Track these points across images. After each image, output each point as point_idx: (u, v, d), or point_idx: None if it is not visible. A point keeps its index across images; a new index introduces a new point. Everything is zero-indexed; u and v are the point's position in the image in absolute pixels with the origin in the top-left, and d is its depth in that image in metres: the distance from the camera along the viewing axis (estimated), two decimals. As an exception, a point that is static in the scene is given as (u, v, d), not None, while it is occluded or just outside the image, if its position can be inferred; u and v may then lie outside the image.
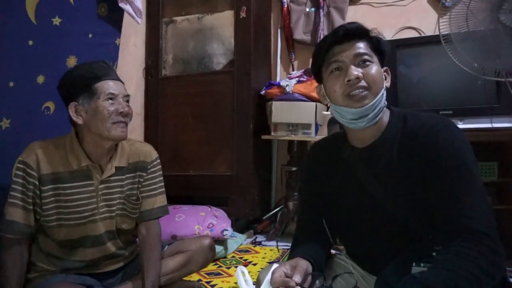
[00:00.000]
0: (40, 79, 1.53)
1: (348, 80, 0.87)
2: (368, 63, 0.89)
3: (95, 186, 1.22)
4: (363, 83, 0.88)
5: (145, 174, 1.32)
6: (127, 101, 1.22)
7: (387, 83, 0.94)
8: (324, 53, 0.93)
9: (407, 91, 2.03)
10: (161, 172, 1.37)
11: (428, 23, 2.41)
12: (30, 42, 1.47)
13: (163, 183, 1.38)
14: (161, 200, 1.36)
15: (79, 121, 1.17)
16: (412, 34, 2.45)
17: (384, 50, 0.94)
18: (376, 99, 0.88)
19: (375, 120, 0.90)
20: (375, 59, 0.91)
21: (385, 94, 0.91)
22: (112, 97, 1.17)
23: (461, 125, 1.82)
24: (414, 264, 0.85)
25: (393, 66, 1.96)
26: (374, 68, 0.89)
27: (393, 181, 0.91)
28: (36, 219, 1.19)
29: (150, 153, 1.34)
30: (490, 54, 1.55)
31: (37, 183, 1.16)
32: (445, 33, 1.64)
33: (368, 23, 0.96)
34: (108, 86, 1.18)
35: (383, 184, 0.92)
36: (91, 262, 1.25)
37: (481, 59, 1.58)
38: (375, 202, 0.93)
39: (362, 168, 0.96)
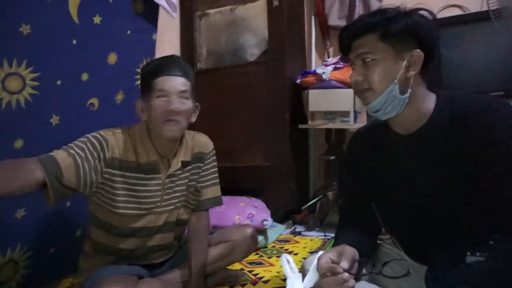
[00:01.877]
0: (85, 76, 1.60)
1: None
2: (371, 61, 0.86)
3: (162, 180, 1.23)
4: (364, 84, 0.88)
5: (202, 165, 1.35)
6: (185, 97, 1.18)
7: (410, 72, 0.86)
8: (345, 49, 0.94)
9: (452, 73, 1.93)
10: (216, 163, 1.40)
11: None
12: (74, 41, 1.53)
13: (217, 174, 1.41)
14: (214, 191, 1.39)
15: (144, 117, 1.20)
16: (456, 12, 2.31)
17: (405, 31, 0.85)
18: (380, 97, 0.86)
19: (392, 113, 0.88)
20: (384, 52, 0.85)
21: (396, 88, 0.85)
22: (164, 94, 1.15)
23: (514, 107, 1.70)
24: (468, 253, 0.81)
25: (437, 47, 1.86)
26: (377, 66, 0.86)
27: (441, 168, 0.87)
28: (101, 201, 1.17)
29: (208, 143, 1.38)
30: None
31: (103, 163, 1.12)
32: (495, 7, 1.53)
33: (408, 3, 0.91)
34: (163, 82, 1.15)
35: (430, 171, 0.88)
36: (141, 252, 1.28)
37: None
38: (422, 190, 0.90)
39: (407, 156, 0.92)
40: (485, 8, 1.55)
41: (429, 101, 0.90)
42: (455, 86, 1.90)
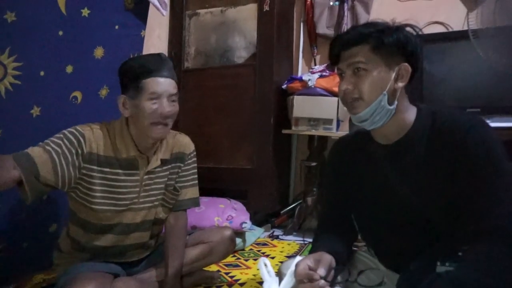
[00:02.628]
0: (69, 69, 1.57)
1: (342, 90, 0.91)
2: (362, 71, 0.88)
3: (140, 176, 1.23)
4: (354, 94, 0.90)
5: (182, 165, 1.35)
6: (174, 100, 1.19)
7: (398, 84, 0.89)
8: (333, 59, 0.96)
9: (433, 88, 1.99)
10: (196, 165, 1.41)
11: (456, 18, 2.34)
12: (60, 33, 1.51)
13: (196, 176, 1.41)
14: (194, 192, 1.39)
15: (126, 113, 1.18)
16: (440, 29, 2.39)
17: (396, 45, 0.88)
18: (369, 108, 0.88)
19: (379, 123, 0.91)
20: (376, 62, 0.88)
21: (385, 99, 0.88)
22: (155, 96, 1.14)
23: (489, 124, 1.76)
24: (439, 263, 0.84)
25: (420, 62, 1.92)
26: (369, 77, 0.88)
27: (420, 179, 0.90)
28: (79, 197, 1.16)
29: (189, 145, 1.38)
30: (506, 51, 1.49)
31: (80, 158, 1.11)
32: (474, 28, 1.59)
33: (396, 18, 0.94)
34: (154, 84, 1.14)
35: (409, 181, 0.91)
36: (117, 249, 1.27)
37: (509, 56, 1.53)
38: (400, 199, 0.92)
39: (388, 165, 0.95)
40: (466, 27, 1.61)
41: (411, 113, 0.94)
42: (435, 100, 1.96)
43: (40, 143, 1.09)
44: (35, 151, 1.05)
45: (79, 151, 1.11)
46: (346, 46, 0.91)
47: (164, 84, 1.16)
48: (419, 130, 0.91)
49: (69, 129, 1.14)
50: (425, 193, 0.89)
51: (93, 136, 1.15)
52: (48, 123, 1.46)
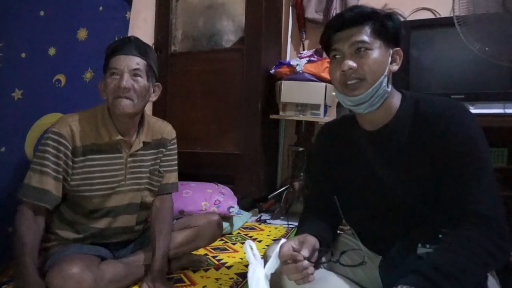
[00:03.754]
0: (52, 51, 1.53)
1: (343, 71, 0.88)
2: (365, 51, 0.88)
3: (124, 159, 1.26)
4: (357, 73, 0.88)
5: (165, 150, 1.38)
6: (138, 75, 1.20)
7: (393, 67, 0.92)
8: (326, 40, 0.93)
9: (419, 74, 2.00)
10: (177, 151, 1.44)
11: (444, 4, 2.34)
12: (42, 13, 1.46)
13: (176, 161, 1.44)
14: (175, 176, 1.43)
15: (104, 96, 1.21)
16: (428, 15, 2.39)
17: (394, 30, 0.90)
18: (372, 88, 0.88)
19: (375, 106, 0.91)
20: (377, 44, 0.88)
21: (385, 81, 0.89)
22: (116, 72, 1.18)
23: (472, 110, 1.79)
24: (420, 245, 0.86)
25: (407, 48, 1.93)
26: (372, 57, 0.88)
27: (403, 164, 0.91)
28: (63, 188, 1.19)
29: (171, 132, 1.42)
30: (496, 39, 1.51)
31: (69, 154, 1.17)
32: (459, 14, 1.60)
33: (383, 3, 0.94)
34: (115, 61, 1.18)
35: (392, 167, 0.93)
36: (106, 232, 1.28)
37: (487, 44, 1.54)
38: (384, 184, 0.94)
39: (372, 151, 0.96)
40: (452, 14, 1.62)
41: (397, 99, 0.95)
42: (421, 87, 1.98)
43: (38, 167, 1.14)
44: (49, 184, 1.14)
45: (68, 152, 1.17)
46: (347, 24, 0.89)
47: (125, 60, 1.19)
48: (403, 116, 0.92)
49: (46, 136, 1.18)
50: (408, 179, 0.90)
51: (71, 132, 1.18)
52: (31, 107, 1.43)
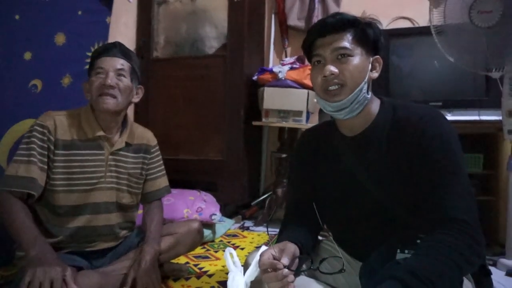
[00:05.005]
0: (27, 55, 1.50)
1: (324, 76, 0.90)
2: (347, 57, 0.89)
3: (105, 156, 1.28)
4: (339, 79, 0.89)
5: (148, 157, 1.42)
6: (122, 75, 1.25)
7: (373, 74, 0.94)
8: (308, 45, 0.95)
9: (399, 82, 2.05)
10: (161, 157, 1.49)
11: (422, 13, 2.40)
12: (17, 17, 1.43)
13: (163, 166, 1.49)
14: (164, 180, 1.48)
15: (88, 97, 1.26)
16: (406, 24, 2.45)
17: (374, 38, 0.92)
18: (352, 94, 0.89)
19: (355, 112, 0.92)
20: (358, 51, 0.90)
21: (365, 87, 0.91)
22: (100, 71, 1.23)
23: (449, 117, 1.84)
24: (398, 250, 0.87)
25: (386, 56, 1.97)
26: (353, 63, 0.89)
27: (381, 170, 0.92)
28: (47, 184, 1.20)
29: (153, 138, 1.46)
30: (471, 49, 1.56)
31: (52, 147, 1.20)
32: (437, 24, 1.64)
33: (364, 11, 0.96)
34: (100, 61, 1.24)
35: (371, 173, 0.94)
36: (87, 231, 1.27)
37: (462, 53, 1.59)
38: (363, 190, 0.95)
39: (351, 156, 0.97)
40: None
41: (375, 105, 0.96)
42: (401, 94, 2.02)
43: (25, 158, 1.15)
44: (34, 172, 1.15)
45: (50, 144, 1.19)
46: (329, 30, 0.90)
47: (110, 60, 1.25)
48: (380, 122, 0.94)
49: (34, 128, 1.20)
50: (386, 184, 0.91)
51: (55, 125, 1.21)
52: (5, 113, 1.39)
